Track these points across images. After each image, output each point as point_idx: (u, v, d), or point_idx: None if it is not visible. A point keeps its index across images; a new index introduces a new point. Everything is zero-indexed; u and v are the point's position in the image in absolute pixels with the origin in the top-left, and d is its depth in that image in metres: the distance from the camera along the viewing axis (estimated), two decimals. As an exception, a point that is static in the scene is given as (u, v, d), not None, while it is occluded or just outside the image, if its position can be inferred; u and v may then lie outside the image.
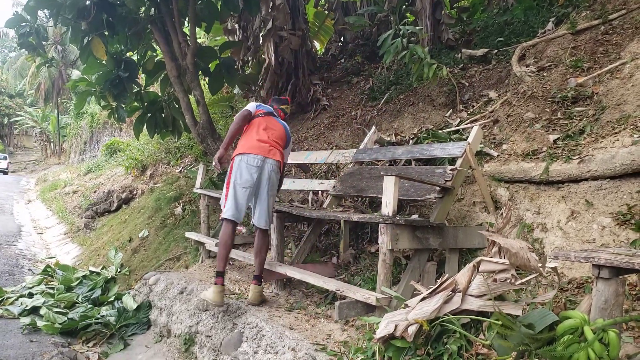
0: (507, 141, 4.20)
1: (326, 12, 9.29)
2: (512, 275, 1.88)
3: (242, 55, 8.36)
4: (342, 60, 8.76)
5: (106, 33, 5.64)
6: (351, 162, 4.40)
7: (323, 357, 2.64)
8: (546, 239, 3.18)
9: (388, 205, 2.95)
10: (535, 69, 4.52)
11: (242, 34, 8.51)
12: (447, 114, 5.25)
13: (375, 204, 4.56)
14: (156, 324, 4.35)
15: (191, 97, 6.73)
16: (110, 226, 8.45)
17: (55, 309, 4.59)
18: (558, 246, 3.06)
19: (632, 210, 2.86)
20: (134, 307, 4.50)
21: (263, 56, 8.13)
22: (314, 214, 3.74)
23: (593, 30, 4.54)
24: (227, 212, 3.45)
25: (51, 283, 5.52)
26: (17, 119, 38.80)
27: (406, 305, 2.17)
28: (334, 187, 4.28)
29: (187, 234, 5.42)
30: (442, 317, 2.00)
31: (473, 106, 5.31)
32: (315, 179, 5.43)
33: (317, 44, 10.15)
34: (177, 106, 6.94)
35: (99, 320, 4.37)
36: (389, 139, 4.59)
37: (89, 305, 4.75)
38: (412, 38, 5.48)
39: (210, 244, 4.80)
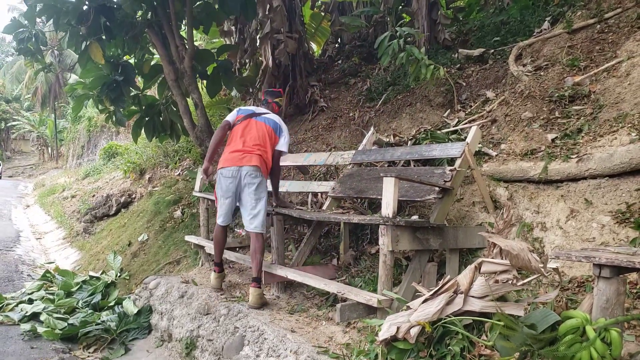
0: (505, 141, 4.21)
1: (322, 14, 9.30)
2: (513, 276, 1.89)
3: (239, 58, 8.35)
4: (339, 62, 8.77)
5: (104, 37, 5.64)
6: (350, 164, 4.40)
7: (325, 360, 2.64)
8: (546, 238, 3.19)
9: (388, 207, 2.95)
10: (532, 68, 4.54)
11: (239, 37, 8.51)
12: (445, 114, 5.26)
13: (374, 205, 4.56)
14: (157, 328, 4.34)
15: (189, 100, 6.73)
16: (110, 230, 8.43)
17: (55, 315, 4.58)
18: (558, 245, 3.07)
19: (631, 208, 2.87)
20: (135, 311, 4.49)
21: (260, 58, 8.13)
22: (315, 216, 3.74)
23: (589, 29, 4.55)
24: (218, 218, 3.89)
25: (51, 288, 5.50)
26: (14, 123, 38.69)
27: (408, 307, 2.17)
28: (333, 188, 4.29)
29: (187, 238, 5.41)
30: (445, 319, 2.01)
31: (471, 106, 5.32)
32: (315, 180, 5.43)
33: (313, 46, 10.15)
34: (175, 109, 6.94)
35: (100, 326, 4.36)
36: (388, 139, 4.59)
37: (90, 311, 4.73)
38: (409, 39, 5.49)
39: (210, 247, 4.80)
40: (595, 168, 3.15)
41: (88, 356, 4.09)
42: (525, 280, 2.03)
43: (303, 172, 6.14)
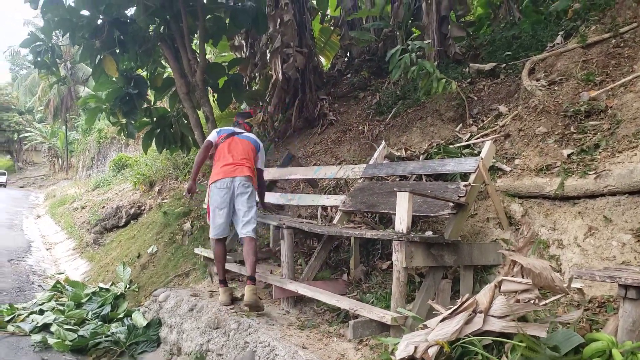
0: (519, 156, 4.16)
1: (332, 28, 9.37)
2: (535, 295, 1.84)
3: (249, 72, 8.43)
4: (349, 76, 8.79)
5: (117, 51, 5.72)
6: (361, 178, 4.37)
7: (338, 378, 2.58)
8: (563, 256, 3.13)
9: (402, 222, 2.92)
10: (546, 82, 4.51)
11: (250, 51, 8.60)
12: (457, 129, 5.23)
13: (385, 220, 4.52)
14: (166, 341, 4.30)
15: (200, 113, 6.77)
16: (119, 242, 8.45)
17: (65, 326, 4.57)
18: (576, 263, 3.00)
19: (653, 226, 2.80)
20: (144, 324, 4.46)
21: (270, 72, 8.19)
22: (326, 230, 3.70)
23: (604, 43, 4.52)
24: (211, 232, 4.05)
25: (61, 299, 5.50)
26: (26, 135, 39.30)
27: (425, 326, 2.12)
28: (344, 202, 4.25)
29: (196, 250, 5.39)
30: (463, 339, 1.96)
31: (483, 120, 5.28)
32: (324, 194, 5.41)
33: (322, 60, 10.21)
34: (185, 122, 6.98)
35: (109, 338, 4.34)
36: (399, 153, 4.56)
37: (99, 322, 4.72)
38: (419, 53, 5.49)
39: (220, 260, 4.77)
40: (615, 185, 3.09)
41: (97, 369, 4.08)
42: (548, 301, 1.97)
43: (312, 185, 6.12)
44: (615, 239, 2.88)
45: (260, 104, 8.41)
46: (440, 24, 6.66)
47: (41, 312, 4.96)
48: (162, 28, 6.21)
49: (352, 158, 6.09)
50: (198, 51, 6.30)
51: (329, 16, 9.34)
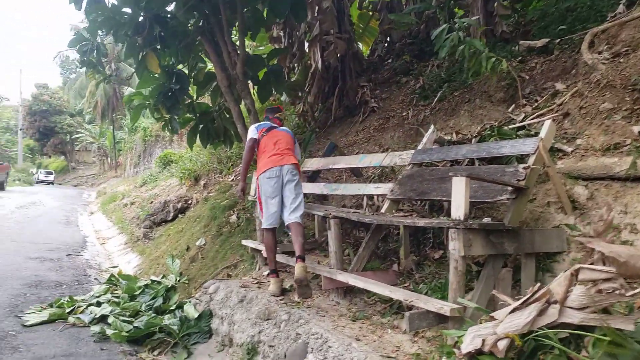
0: (581, 135, 3.87)
1: (370, 13, 9.14)
2: (620, 285, 1.66)
3: (288, 63, 8.36)
4: (390, 61, 8.56)
5: (159, 47, 5.79)
6: (409, 164, 4.21)
7: (396, 372, 2.49)
8: (638, 241, 2.87)
9: (459, 209, 2.76)
10: (609, 55, 4.16)
11: (288, 41, 8.52)
12: (510, 110, 4.95)
13: (436, 207, 4.35)
14: (218, 332, 4.34)
15: (242, 106, 6.78)
16: (168, 235, 8.66)
17: (121, 318, 4.71)
18: (653, 248, 2.74)
19: None
20: (195, 315, 4.52)
21: (309, 62, 8.09)
22: (375, 220, 3.59)
23: (674, 8, 4.12)
24: (264, 222, 4.11)
25: (116, 292, 5.68)
26: (77, 136, 41.29)
27: (492, 318, 1.98)
28: (392, 190, 4.12)
29: (244, 242, 5.41)
30: (537, 331, 1.80)
31: (536, 100, 4.98)
32: (370, 182, 5.28)
33: (361, 46, 10.00)
34: (227, 116, 7.01)
35: (163, 329, 4.43)
36: (449, 138, 4.37)
37: (153, 314, 4.83)
38: (465, 32, 5.23)
39: (268, 251, 4.75)
40: (696, 162, 2.80)
41: (153, 359, 4.16)
42: (637, 291, 1.78)
43: (356, 174, 6.00)
44: (702, 222, 2.60)
45: (300, 94, 8.34)
46: (485, 1, 6.33)
47: (98, 304, 5.14)
48: (201, 22, 6.23)
49: (397, 145, 5.92)
50: (237, 44, 6.29)
51: (367, 1, 9.11)
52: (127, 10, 5.49)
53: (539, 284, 1.93)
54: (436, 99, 6.23)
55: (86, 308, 5.06)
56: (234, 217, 6.92)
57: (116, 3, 5.31)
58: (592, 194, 3.36)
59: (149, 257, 8.20)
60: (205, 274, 5.92)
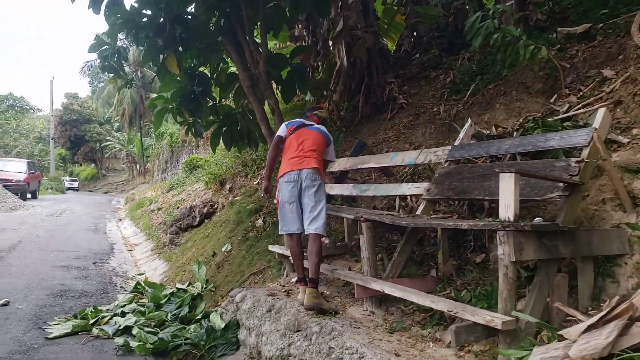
0: (637, 124, 3.51)
1: (395, 8, 8.85)
2: None
3: (312, 61, 8.15)
4: (417, 55, 8.25)
5: (180, 48, 5.65)
6: (446, 161, 3.91)
7: (445, 395, 2.21)
8: None
9: (508, 209, 2.47)
10: (666, 35, 3.77)
11: (311, 39, 8.32)
12: (552, 100, 4.59)
13: (476, 208, 4.03)
14: (245, 344, 4.14)
15: (265, 107, 6.59)
16: (194, 241, 8.56)
17: (146, 329, 4.57)
18: None
19: None
20: (222, 326, 4.32)
21: (334, 59, 7.86)
22: (412, 222, 3.31)
23: None
24: (280, 228, 3.89)
25: (141, 300, 5.57)
26: (106, 143, 42.27)
27: (561, 337, 1.69)
28: (428, 190, 3.83)
29: (271, 247, 5.21)
30: (620, 355, 1.51)
31: (580, 89, 4.61)
32: (403, 182, 4.99)
33: (387, 42, 9.71)
34: (251, 117, 6.83)
35: (189, 341, 4.26)
36: (488, 132, 4.05)
37: (179, 325, 4.67)
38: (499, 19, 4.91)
39: (295, 257, 4.52)
40: None
41: (178, 372, 3.99)
42: None
43: (387, 174, 5.71)
44: None
45: (325, 93, 8.11)
46: (518, -12, 5.96)
47: (123, 314, 5.03)
48: (222, 21, 6.08)
49: (429, 142, 5.62)
50: (259, 42, 6.11)
51: (391, -4, 8.82)
52: (147, 12, 5.37)
53: (617, 298, 1.63)
54: (469, 92, 5.92)
55: (110, 318, 4.95)
56: (259, 221, 6.73)
57: (135, 5, 5.20)
58: (656, 189, 3.00)
59: (175, 263, 8.11)
60: (231, 281, 5.75)
